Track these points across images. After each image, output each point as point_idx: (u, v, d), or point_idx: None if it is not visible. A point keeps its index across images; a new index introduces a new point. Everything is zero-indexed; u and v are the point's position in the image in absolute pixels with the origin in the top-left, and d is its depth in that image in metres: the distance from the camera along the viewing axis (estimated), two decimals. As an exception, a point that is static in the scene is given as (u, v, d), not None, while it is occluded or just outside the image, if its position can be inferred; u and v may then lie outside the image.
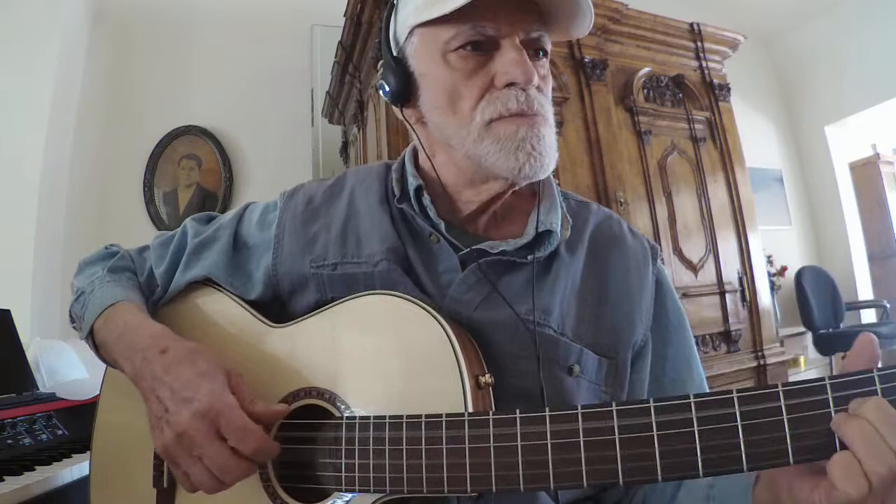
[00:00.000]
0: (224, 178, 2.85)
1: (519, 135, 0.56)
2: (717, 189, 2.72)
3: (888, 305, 4.06)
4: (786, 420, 0.38)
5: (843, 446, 0.36)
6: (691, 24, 2.77)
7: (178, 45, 2.91)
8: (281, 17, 3.05)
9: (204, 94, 2.90)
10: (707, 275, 2.58)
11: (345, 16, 2.23)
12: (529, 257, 0.61)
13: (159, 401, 0.54)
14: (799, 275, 3.94)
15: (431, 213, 0.63)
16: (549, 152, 0.58)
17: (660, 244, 2.49)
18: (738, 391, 0.39)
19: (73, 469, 0.91)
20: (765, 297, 2.69)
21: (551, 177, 0.68)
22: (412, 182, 0.64)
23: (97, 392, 0.73)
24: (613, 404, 0.43)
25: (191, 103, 2.87)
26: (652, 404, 0.42)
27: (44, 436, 1.07)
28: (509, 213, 0.67)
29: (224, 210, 2.82)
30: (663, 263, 0.72)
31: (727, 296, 2.59)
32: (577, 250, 0.65)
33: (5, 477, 0.83)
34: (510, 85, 0.56)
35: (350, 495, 0.53)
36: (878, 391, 0.36)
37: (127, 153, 2.75)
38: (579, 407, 0.44)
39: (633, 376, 0.64)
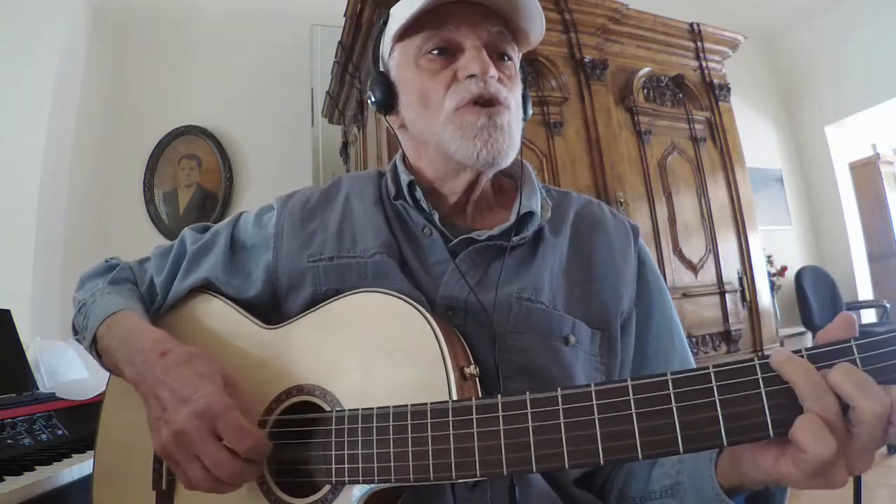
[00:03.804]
0: (224, 178, 2.85)
1: (479, 123, 0.63)
2: (717, 189, 2.72)
3: (888, 305, 4.06)
4: (763, 393, 0.38)
5: None
6: (691, 24, 2.77)
7: (178, 45, 2.91)
8: (281, 17, 3.05)
9: (204, 94, 2.90)
10: (707, 275, 2.58)
11: (345, 16, 2.23)
12: (514, 238, 0.66)
13: (158, 401, 0.56)
14: (799, 275, 3.94)
15: (424, 203, 0.67)
16: (507, 140, 0.64)
17: (660, 244, 2.50)
18: (714, 367, 0.40)
19: (73, 469, 0.91)
20: (765, 297, 2.69)
21: (530, 168, 0.74)
22: (404, 179, 0.69)
23: (97, 392, 0.74)
24: (592, 385, 0.43)
25: (191, 103, 2.87)
26: (630, 383, 0.42)
27: (44, 436, 1.07)
28: (494, 206, 0.72)
29: (224, 210, 2.82)
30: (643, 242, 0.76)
31: (727, 296, 2.59)
32: (561, 233, 0.70)
33: (5, 477, 0.83)
34: (471, 77, 0.63)
35: (341, 485, 0.54)
36: (857, 361, 0.37)
37: (127, 153, 2.75)
38: (559, 389, 0.45)
39: (621, 347, 0.67)
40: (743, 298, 2.64)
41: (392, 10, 0.71)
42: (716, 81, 2.82)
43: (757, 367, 0.39)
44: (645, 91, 2.65)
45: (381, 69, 0.72)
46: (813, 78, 4.44)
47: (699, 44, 2.81)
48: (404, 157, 0.73)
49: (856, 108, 4.24)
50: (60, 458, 0.96)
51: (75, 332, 0.74)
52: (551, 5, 2.40)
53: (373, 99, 0.72)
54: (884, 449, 2.92)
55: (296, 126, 3.00)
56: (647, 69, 2.65)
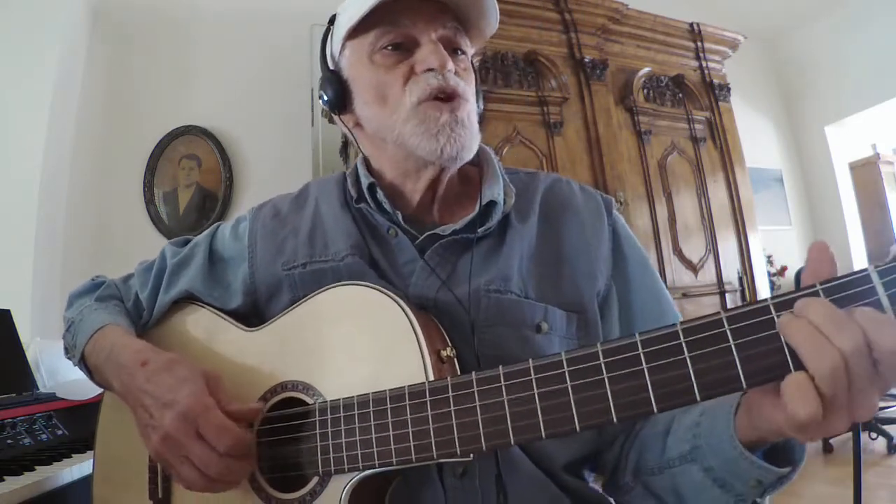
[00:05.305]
0: (224, 178, 2.85)
1: (441, 120, 0.62)
2: (717, 189, 2.72)
3: (888, 305, 4.05)
4: (733, 346, 0.38)
5: (799, 366, 0.36)
6: (691, 24, 2.77)
7: (178, 45, 2.91)
8: (281, 17, 3.05)
9: (204, 94, 2.89)
10: (707, 275, 2.58)
11: (345, 16, 2.23)
12: (480, 230, 0.65)
13: (145, 409, 0.58)
14: (799, 275, 3.94)
15: (387, 205, 0.67)
16: (469, 135, 0.64)
17: (660, 244, 2.50)
18: (682, 324, 0.40)
19: (73, 469, 0.91)
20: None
21: (491, 154, 0.74)
22: (364, 182, 0.69)
23: (97, 392, 0.74)
24: (563, 353, 0.44)
25: (191, 103, 2.87)
26: (600, 348, 0.42)
27: (44, 436, 1.07)
28: (461, 199, 0.71)
29: (224, 210, 2.82)
30: (619, 213, 0.74)
31: (727, 296, 2.59)
32: (529, 217, 0.69)
33: (5, 477, 0.83)
34: (429, 71, 0.63)
35: (328, 476, 0.54)
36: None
37: (127, 153, 2.75)
38: (530, 360, 0.45)
39: (604, 326, 0.66)
40: (743, 298, 2.64)
41: (340, 9, 0.70)
42: (716, 81, 2.82)
43: (724, 320, 0.38)
44: (645, 91, 2.66)
45: (332, 68, 0.71)
46: (813, 78, 4.44)
47: (699, 44, 2.81)
48: (366, 160, 0.73)
49: (856, 108, 4.23)
50: (60, 458, 0.96)
51: (66, 350, 0.75)
52: (551, 5, 2.40)
53: (324, 98, 0.70)
54: (884, 449, 2.92)
55: (296, 126, 2.99)
56: (647, 69, 2.65)
